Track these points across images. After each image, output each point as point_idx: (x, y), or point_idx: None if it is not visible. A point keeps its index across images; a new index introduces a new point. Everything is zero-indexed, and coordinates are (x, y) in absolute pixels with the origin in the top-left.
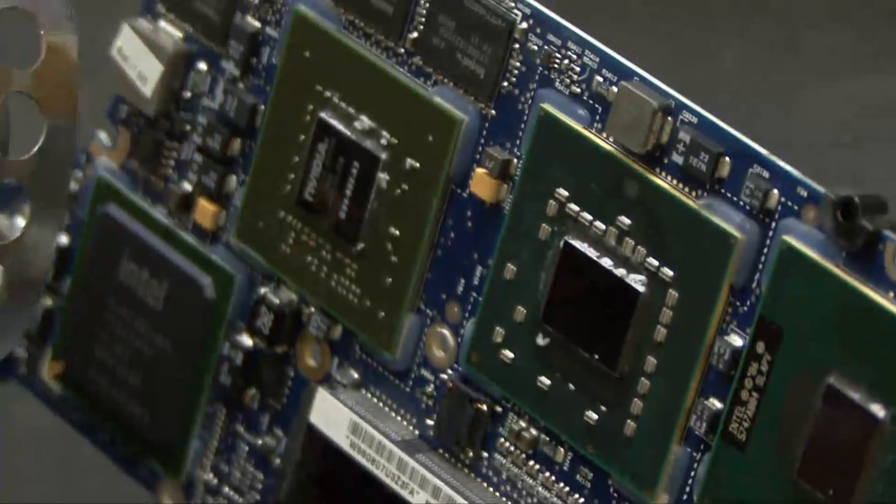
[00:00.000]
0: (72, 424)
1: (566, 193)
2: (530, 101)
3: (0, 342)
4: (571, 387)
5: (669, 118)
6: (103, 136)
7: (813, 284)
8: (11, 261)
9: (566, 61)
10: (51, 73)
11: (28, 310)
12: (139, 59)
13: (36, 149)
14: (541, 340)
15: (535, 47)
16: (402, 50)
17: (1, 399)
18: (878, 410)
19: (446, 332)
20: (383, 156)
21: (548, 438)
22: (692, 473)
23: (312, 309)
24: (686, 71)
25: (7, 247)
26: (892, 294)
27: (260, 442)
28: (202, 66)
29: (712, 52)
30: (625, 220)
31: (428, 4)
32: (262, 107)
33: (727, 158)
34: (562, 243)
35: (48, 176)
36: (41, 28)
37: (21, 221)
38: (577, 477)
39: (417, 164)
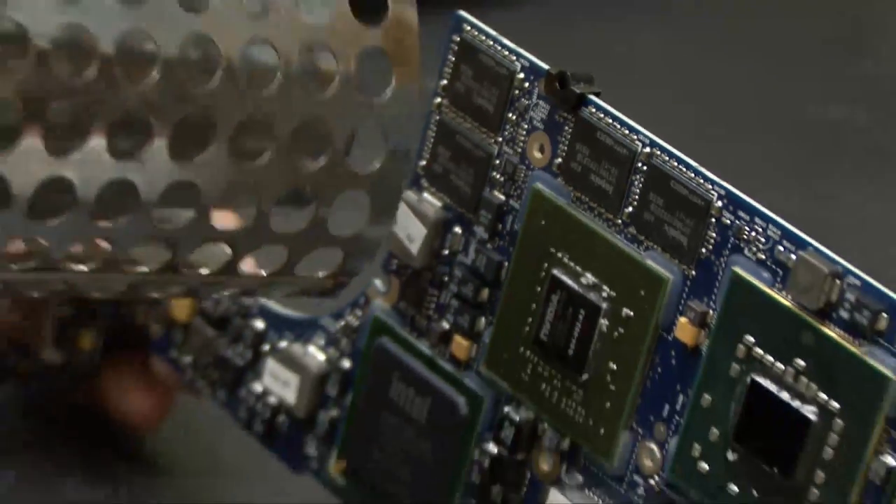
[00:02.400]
0: None
1: (753, 340)
2: (724, 265)
3: (358, 259)
4: (755, 493)
5: (838, 281)
6: (378, 283)
7: None
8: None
9: (753, 233)
10: (399, 33)
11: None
12: (407, 224)
13: (386, 97)
14: (731, 456)
15: (728, 222)
16: (620, 221)
17: (300, 485)
18: None
19: (654, 446)
20: (604, 306)
21: None
22: None
23: (546, 425)
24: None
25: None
26: None
27: None
28: (457, 229)
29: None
30: (800, 363)
31: (641, 185)
32: (507, 264)
33: (885, 315)
34: (749, 380)
35: (395, 130)
36: None
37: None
38: None
39: (632, 314)
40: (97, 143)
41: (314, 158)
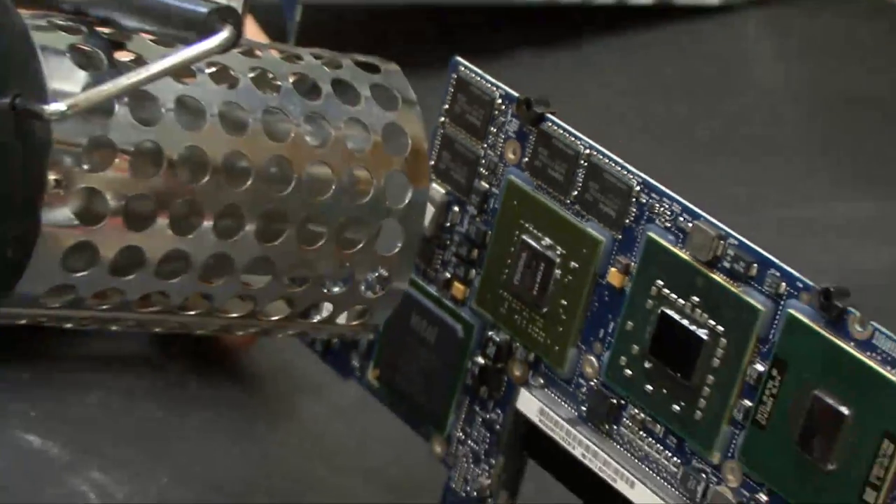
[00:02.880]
0: (382, 403)
1: (662, 283)
2: (641, 231)
3: (383, 310)
4: (664, 391)
5: (722, 241)
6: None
7: (805, 336)
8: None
9: (662, 208)
10: (415, 160)
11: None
12: None
13: (405, 203)
14: (647, 365)
15: (645, 200)
16: (568, 201)
17: (347, 388)
18: (844, 409)
19: (593, 358)
20: (557, 260)
21: (651, 420)
22: (734, 441)
23: (518, 344)
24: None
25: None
26: (851, 343)
27: (488, 416)
28: (456, 208)
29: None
30: (696, 299)
31: (583, 176)
32: (490, 232)
33: (755, 265)
34: (659, 311)
35: (410, 224)
36: (408, 135)
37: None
38: (667, 441)
39: (577, 265)
40: (206, 226)
41: (353, 245)
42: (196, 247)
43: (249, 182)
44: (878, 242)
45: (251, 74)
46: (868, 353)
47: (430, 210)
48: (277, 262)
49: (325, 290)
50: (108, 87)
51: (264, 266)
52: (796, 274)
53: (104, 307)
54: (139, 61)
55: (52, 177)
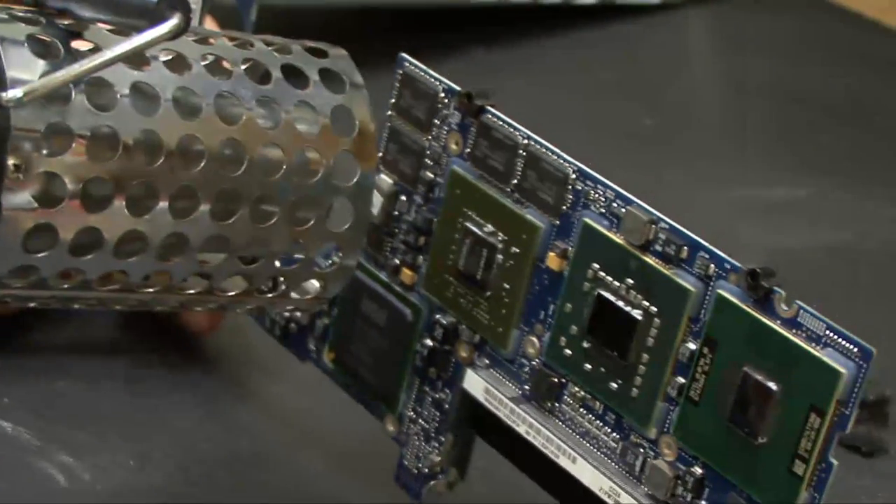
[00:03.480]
0: (337, 384)
1: (598, 266)
2: (578, 217)
3: (335, 284)
4: (602, 370)
5: (654, 226)
6: None
7: (734, 316)
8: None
9: (597, 195)
10: (362, 141)
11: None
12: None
13: (354, 181)
14: (585, 344)
15: (580, 187)
16: (509, 189)
17: (304, 369)
18: (772, 385)
19: (535, 339)
20: (499, 246)
21: (590, 397)
22: (669, 417)
23: (464, 326)
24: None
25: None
26: (777, 321)
27: (437, 396)
28: (403, 197)
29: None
30: (630, 281)
31: (521, 165)
32: (436, 220)
33: (686, 247)
34: (596, 293)
35: (360, 202)
36: (356, 117)
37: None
38: (606, 418)
39: (518, 250)
40: (162, 207)
41: (305, 222)
42: (153, 227)
43: (203, 164)
44: (810, 224)
45: (204, 61)
46: (794, 331)
47: (379, 199)
48: (232, 240)
49: (280, 266)
50: (63, 74)
51: (220, 244)
52: (724, 256)
53: (65, 286)
54: (96, 50)
55: (11, 162)
